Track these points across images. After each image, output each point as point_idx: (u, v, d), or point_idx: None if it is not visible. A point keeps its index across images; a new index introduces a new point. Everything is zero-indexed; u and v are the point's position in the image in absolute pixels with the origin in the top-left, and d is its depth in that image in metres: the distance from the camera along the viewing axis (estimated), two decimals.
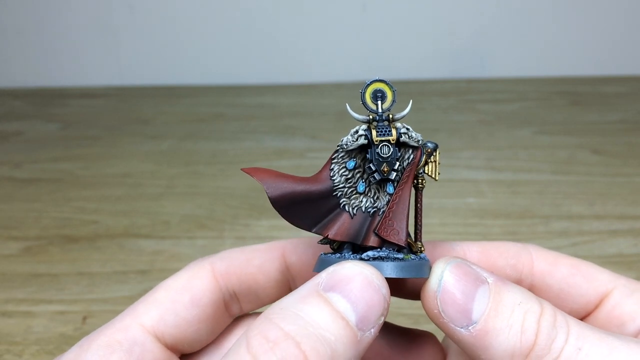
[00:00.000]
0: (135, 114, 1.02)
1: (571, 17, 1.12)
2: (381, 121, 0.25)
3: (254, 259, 0.28)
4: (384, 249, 0.25)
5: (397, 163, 0.25)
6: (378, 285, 0.22)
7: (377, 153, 0.25)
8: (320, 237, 0.26)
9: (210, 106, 1.04)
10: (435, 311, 0.23)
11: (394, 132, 0.25)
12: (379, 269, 0.23)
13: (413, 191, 0.26)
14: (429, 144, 0.26)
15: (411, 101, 0.26)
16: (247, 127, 0.94)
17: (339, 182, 0.25)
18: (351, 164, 0.25)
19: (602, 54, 1.14)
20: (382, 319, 0.22)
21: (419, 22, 1.13)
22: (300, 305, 0.21)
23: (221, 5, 1.12)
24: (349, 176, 0.25)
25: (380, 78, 0.26)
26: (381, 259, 0.24)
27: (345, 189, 0.25)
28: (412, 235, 0.27)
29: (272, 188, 0.24)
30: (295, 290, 0.23)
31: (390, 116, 0.25)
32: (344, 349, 0.21)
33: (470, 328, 0.22)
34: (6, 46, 1.15)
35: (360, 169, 0.25)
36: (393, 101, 0.26)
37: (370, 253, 0.24)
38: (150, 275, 0.55)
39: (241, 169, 0.25)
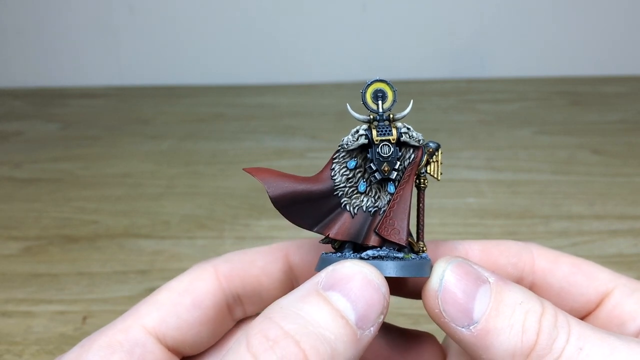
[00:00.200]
0: (135, 114, 1.02)
1: (571, 17, 1.12)
2: (382, 121, 0.25)
3: (257, 260, 0.28)
4: (385, 248, 0.25)
5: (398, 162, 0.25)
6: (377, 284, 0.22)
7: (378, 152, 0.25)
8: (322, 237, 0.26)
9: (210, 106, 1.04)
10: (437, 310, 0.23)
11: (394, 131, 0.25)
12: (379, 268, 0.23)
13: (415, 191, 0.26)
14: (430, 144, 0.26)
15: (412, 101, 0.26)
16: (247, 127, 0.94)
17: (340, 181, 0.25)
18: (352, 164, 0.25)
19: (602, 54, 1.14)
20: (382, 317, 0.22)
21: (419, 22, 1.13)
22: (299, 304, 0.21)
23: (221, 6, 1.12)
24: (350, 176, 0.25)
25: (381, 78, 0.26)
26: (381, 258, 0.24)
27: (346, 189, 0.25)
28: (414, 234, 0.27)
29: (273, 187, 0.24)
30: (295, 289, 0.23)
31: (391, 116, 0.25)
32: (344, 347, 0.21)
33: (471, 327, 0.22)
34: (6, 46, 1.15)
35: (361, 169, 0.25)
36: (394, 101, 0.26)
37: (369, 252, 0.24)
38: (150, 275, 0.55)
39: (243, 169, 0.25)
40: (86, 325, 0.49)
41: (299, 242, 0.29)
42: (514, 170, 0.75)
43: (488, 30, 1.13)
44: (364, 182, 0.25)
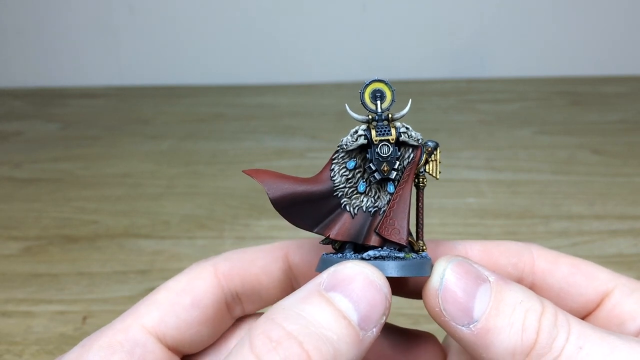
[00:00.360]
0: (135, 114, 1.02)
1: (571, 17, 1.12)
2: (380, 121, 0.25)
3: (257, 259, 0.28)
4: (385, 248, 0.25)
5: (397, 162, 0.25)
6: (379, 285, 0.22)
7: (377, 152, 0.25)
8: (322, 238, 0.26)
9: (210, 106, 1.04)
10: (437, 309, 0.23)
11: (393, 131, 0.25)
12: (380, 268, 0.23)
13: (414, 190, 0.26)
14: (429, 143, 0.26)
15: (410, 100, 0.26)
16: (247, 127, 0.94)
17: (339, 182, 0.25)
18: (351, 164, 0.25)
19: (602, 54, 1.14)
20: (384, 318, 0.22)
21: (419, 22, 1.13)
22: (302, 305, 0.21)
23: (221, 5, 1.12)
24: (350, 176, 0.25)
25: (379, 78, 0.26)
26: (382, 258, 0.24)
27: (346, 189, 0.25)
28: (414, 234, 0.27)
29: (273, 189, 0.24)
30: (297, 290, 0.23)
31: (390, 116, 0.25)
32: (346, 348, 0.21)
33: (471, 326, 0.22)
34: (6, 46, 1.15)
35: (361, 169, 0.26)
36: (392, 101, 0.26)
37: (371, 252, 0.24)
38: (150, 275, 0.55)
39: (242, 171, 0.25)
40: (86, 325, 0.49)
41: (299, 241, 0.29)
42: (514, 170, 0.75)
43: (488, 30, 1.13)
44: (363, 182, 0.25)
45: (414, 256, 0.25)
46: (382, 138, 0.25)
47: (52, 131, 0.94)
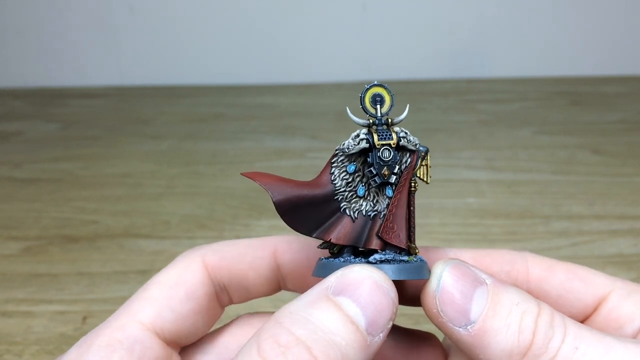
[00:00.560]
0: (135, 114, 1.02)
1: (571, 17, 1.12)
2: (380, 125, 0.25)
3: (246, 255, 0.28)
4: (388, 251, 0.25)
5: (397, 167, 0.25)
6: (387, 289, 0.22)
7: (379, 157, 0.25)
8: (317, 241, 0.26)
9: (210, 106, 1.04)
10: (434, 311, 0.23)
11: (394, 136, 0.25)
12: (386, 271, 0.23)
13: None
14: (421, 148, 0.26)
15: (408, 105, 0.27)
16: (247, 127, 0.94)
17: (340, 186, 0.25)
18: (352, 168, 0.26)
19: (602, 54, 1.14)
20: (391, 323, 0.22)
21: (419, 22, 1.13)
22: (310, 309, 0.21)
23: (221, 5, 1.12)
24: (350, 180, 0.26)
25: (379, 82, 0.26)
26: (388, 261, 0.24)
27: (346, 193, 0.26)
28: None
29: (277, 192, 0.24)
30: (304, 293, 0.23)
31: (389, 120, 0.26)
32: (354, 353, 0.21)
33: (468, 328, 0.22)
34: (6, 46, 1.15)
35: (360, 173, 0.26)
36: (391, 105, 0.26)
37: (377, 256, 0.25)
38: (150, 275, 0.55)
39: (241, 174, 0.25)
40: (86, 325, 0.49)
41: (288, 239, 0.29)
42: (514, 170, 0.75)
43: (488, 30, 1.13)
44: (362, 186, 0.26)
45: (414, 259, 0.25)
46: (385, 142, 0.25)
47: (52, 131, 0.94)
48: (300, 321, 0.21)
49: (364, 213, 0.25)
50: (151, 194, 0.71)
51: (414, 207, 0.27)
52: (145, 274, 0.56)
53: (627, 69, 1.14)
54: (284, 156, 0.82)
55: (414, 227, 0.27)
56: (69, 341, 0.47)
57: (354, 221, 0.25)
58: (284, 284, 0.30)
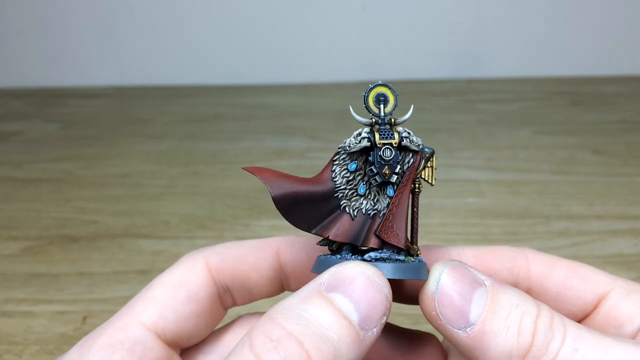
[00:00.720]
0: (135, 114, 1.02)
1: (571, 17, 1.12)
2: (383, 124, 0.25)
3: (248, 256, 0.28)
4: (385, 250, 0.25)
5: (398, 166, 0.25)
6: (380, 285, 0.22)
7: (380, 156, 0.25)
8: (319, 238, 0.26)
9: (210, 106, 1.04)
10: (433, 313, 0.23)
11: (396, 135, 0.25)
12: (380, 269, 0.23)
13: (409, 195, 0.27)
14: (426, 149, 0.26)
15: (412, 106, 0.27)
16: (247, 127, 0.94)
17: (340, 183, 0.26)
18: (353, 166, 0.26)
19: (602, 54, 1.14)
20: (385, 318, 0.22)
21: (419, 22, 1.13)
22: (302, 305, 0.22)
23: (221, 6, 1.12)
24: (350, 178, 0.26)
25: (383, 82, 0.26)
26: (383, 260, 0.24)
27: (346, 191, 0.26)
28: (410, 238, 0.27)
29: (276, 187, 0.24)
30: (298, 290, 0.23)
31: (392, 120, 0.26)
32: (347, 348, 0.21)
33: (467, 330, 0.22)
34: (7, 46, 1.15)
35: (361, 171, 0.26)
36: (395, 105, 0.26)
37: (372, 254, 0.25)
38: (150, 275, 0.55)
39: (243, 168, 0.25)
40: (86, 325, 0.49)
41: (290, 239, 0.29)
42: (514, 170, 0.75)
43: (488, 30, 1.13)
44: (363, 184, 0.26)
45: (412, 259, 0.25)
46: (386, 141, 0.25)
47: (52, 131, 0.94)
48: (293, 316, 0.21)
49: (363, 211, 0.26)
50: (151, 194, 0.71)
51: (417, 209, 0.27)
52: (145, 274, 0.56)
53: (627, 69, 1.14)
54: (284, 156, 0.82)
55: (416, 229, 0.27)
56: (69, 341, 0.47)
57: (353, 219, 0.25)
58: (287, 284, 0.30)
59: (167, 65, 1.16)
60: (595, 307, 0.27)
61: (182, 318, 0.26)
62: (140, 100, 1.08)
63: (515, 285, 0.28)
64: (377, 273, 0.23)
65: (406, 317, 0.47)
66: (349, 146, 0.25)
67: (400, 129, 0.26)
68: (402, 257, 0.25)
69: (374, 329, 0.22)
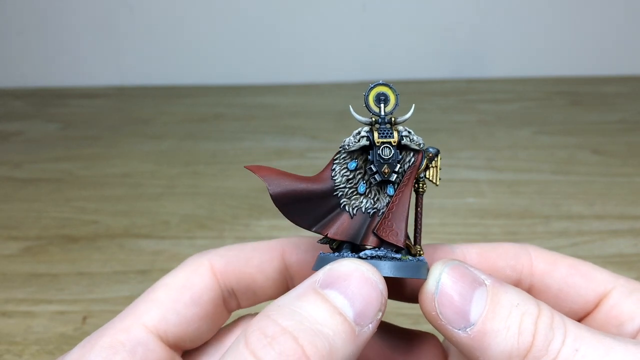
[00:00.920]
0: (135, 114, 1.02)
1: (571, 17, 1.12)
2: (383, 124, 0.25)
3: (253, 258, 0.28)
4: (382, 248, 0.25)
5: (398, 165, 0.25)
6: (375, 282, 0.22)
7: (378, 154, 0.25)
8: (320, 237, 0.26)
9: (210, 106, 1.04)
10: (433, 313, 0.23)
11: (395, 134, 0.25)
12: (376, 267, 0.23)
13: (413, 194, 0.27)
14: (430, 149, 0.26)
15: (414, 105, 0.27)
16: (247, 127, 0.94)
17: (340, 182, 0.26)
18: (353, 165, 0.26)
19: (602, 54, 1.14)
20: (380, 314, 0.22)
21: (419, 22, 1.13)
22: (297, 302, 0.22)
23: (221, 6, 1.12)
24: (350, 177, 0.26)
25: (384, 82, 0.26)
26: (378, 257, 0.24)
27: (346, 190, 0.26)
28: (412, 238, 0.27)
29: (274, 185, 0.25)
30: (293, 288, 0.23)
31: (393, 119, 0.26)
32: (342, 343, 0.21)
33: (468, 330, 0.22)
34: (6, 46, 1.15)
35: (362, 170, 0.26)
36: (396, 105, 0.26)
37: (368, 252, 0.25)
38: (150, 275, 0.55)
39: (244, 167, 0.25)
40: (86, 325, 0.49)
41: (296, 240, 0.29)
42: (514, 170, 0.75)
43: (488, 30, 1.13)
44: (363, 183, 0.26)
45: (410, 258, 0.25)
46: (384, 140, 0.25)
47: (52, 131, 0.94)
48: (287, 313, 0.21)
49: (363, 210, 0.26)
50: (151, 194, 0.71)
51: (421, 209, 0.27)
52: (145, 274, 0.56)
53: (627, 69, 1.14)
54: (284, 156, 0.82)
55: (420, 229, 0.27)
56: (69, 341, 0.47)
57: (352, 217, 0.25)
58: (292, 286, 0.29)
59: (167, 65, 1.16)
60: (596, 305, 0.27)
61: (184, 321, 0.26)
62: (140, 100, 1.08)
63: (518, 282, 0.28)
64: (372, 270, 0.23)
65: (406, 317, 0.47)
66: (348, 145, 0.25)
67: (400, 128, 0.26)
68: (398, 256, 0.25)
69: (370, 325, 0.22)
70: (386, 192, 0.26)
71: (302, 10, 1.12)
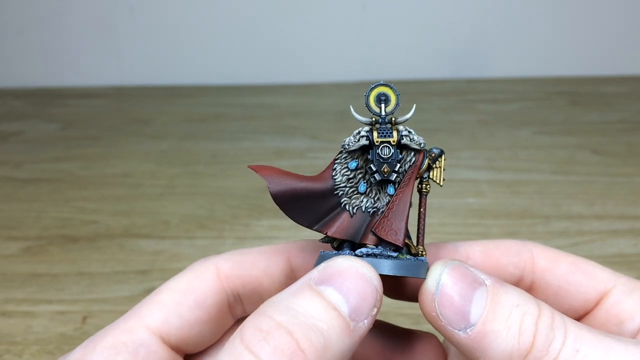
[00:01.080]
0: (135, 114, 1.02)
1: (571, 17, 1.12)
2: (384, 123, 0.25)
3: (260, 262, 0.28)
4: (380, 247, 0.25)
5: (398, 165, 0.25)
6: (370, 278, 0.22)
7: (378, 154, 0.25)
8: (322, 236, 0.26)
9: (210, 106, 1.04)
10: (433, 314, 0.23)
11: (395, 134, 0.25)
12: (372, 265, 0.23)
13: (416, 195, 0.27)
14: (434, 150, 0.26)
15: (415, 106, 0.27)
16: (247, 127, 0.94)
17: (340, 181, 0.26)
18: (353, 165, 0.26)
19: (602, 54, 1.14)
20: (375, 310, 0.22)
21: (419, 22, 1.13)
22: (292, 298, 0.22)
23: (221, 6, 1.12)
24: (351, 176, 0.26)
25: (385, 82, 0.26)
26: (375, 255, 0.25)
27: (347, 189, 0.26)
28: (414, 238, 0.27)
29: (275, 184, 0.25)
30: (290, 286, 0.23)
31: (393, 119, 0.26)
32: (337, 337, 0.21)
33: (468, 330, 0.22)
34: (6, 46, 1.15)
35: (362, 170, 0.26)
36: (397, 105, 0.26)
37: (364, 250, 0.25)
38: (150, 275, 0.55)
39: (248, 166, 0.25)
40: (86, 325, 0.49)
41: (301, 243, 0.29)
42: (514, 170, 0.75)
43: (488, 30, 1.13)
44: (364, 183, 0.26)
45: (408, 257, 0.25)
46: (384, 140, 0.25)
47: (52, 131, 0.94)
48: (282, 308, 0.21)
49: (363, 209, 0.26)
50: (151, 194, 0.71)
51: (424, 209, 0.27)
52: (145, 274, 0.56)
53: (627, 69, 1.14)
54: (284, 156, 0.82)
55: (423, 229, 0.27)
56: (69, 341, 0.47)
57: (352, 216, 0.26)
58: None
59: (167, 65, 1.16)
60: (597, 303, 0.27)
61: (187, 324, 0.26)
62: (140, 100, 1.08)
63: (520, 279, 0.28)
64: (367, 266, 0.23)
65: (406, 317, 0.47)
66: (348, 145, 0.26)
67: (401, 127, 0.26)
68: (395, 254, 0.25)
69: (365, 321, 0.22)
70: (386, 192, 0.26)
71: (302, 10, 1.12)
